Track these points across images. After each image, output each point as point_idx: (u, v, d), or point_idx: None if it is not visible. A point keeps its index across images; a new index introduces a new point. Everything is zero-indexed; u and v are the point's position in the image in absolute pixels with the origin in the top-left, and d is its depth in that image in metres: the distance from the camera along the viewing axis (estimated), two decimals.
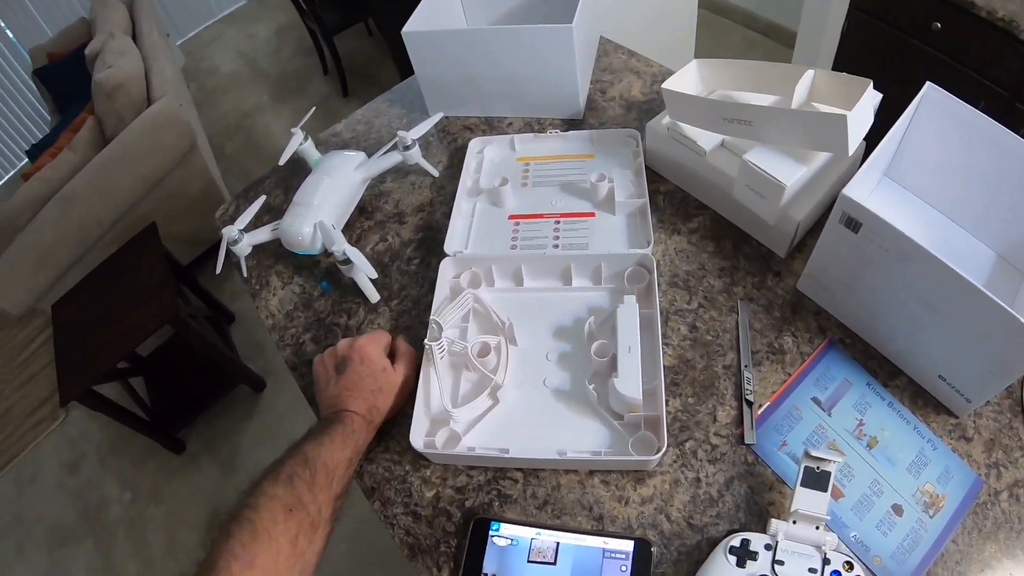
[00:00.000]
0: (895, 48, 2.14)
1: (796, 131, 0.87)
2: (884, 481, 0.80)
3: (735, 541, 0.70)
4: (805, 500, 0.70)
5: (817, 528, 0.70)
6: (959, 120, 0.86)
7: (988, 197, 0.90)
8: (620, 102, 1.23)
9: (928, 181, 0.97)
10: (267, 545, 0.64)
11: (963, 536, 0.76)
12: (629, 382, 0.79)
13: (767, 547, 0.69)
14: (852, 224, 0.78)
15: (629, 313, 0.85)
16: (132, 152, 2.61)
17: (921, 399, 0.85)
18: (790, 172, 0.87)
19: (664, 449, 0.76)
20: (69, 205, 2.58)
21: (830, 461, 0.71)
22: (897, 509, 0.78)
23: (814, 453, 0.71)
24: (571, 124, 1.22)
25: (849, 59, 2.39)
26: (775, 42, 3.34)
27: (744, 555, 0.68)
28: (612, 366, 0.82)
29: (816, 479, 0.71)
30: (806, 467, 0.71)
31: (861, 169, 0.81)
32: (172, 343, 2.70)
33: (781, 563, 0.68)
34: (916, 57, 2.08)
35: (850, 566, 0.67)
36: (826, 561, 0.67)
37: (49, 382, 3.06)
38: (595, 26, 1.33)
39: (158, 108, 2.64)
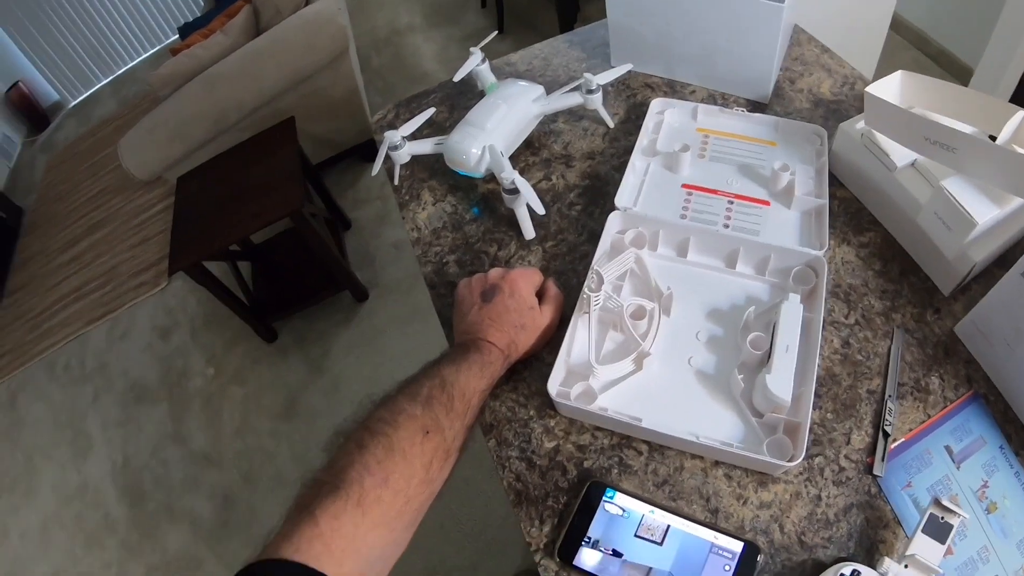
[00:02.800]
0: None
1: (1001, 170, 0.83)
2: (993, 550, 0.77)
3: (846, 570, 0.68)
4: (922, 547, 0.68)
5: None
6: None
7: None
8: (808, 96, 1.18)
9: None
10: (402, 464, 0.63)
11: None
12: (781, 382, 0.76)
13: None
14: None
15: (793, 312, 0.82)
16: (284, 46, 2.64)
17: None
18: (984, 210, 0.83)
19: (798, 458, 0.73)
20: (214, 85, 2.64)
21: (957, 515, 0.68)
22: None
23: (944, 503, 0.69)
24: (755, 106, 1.18)
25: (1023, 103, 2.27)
26: (944, 70, 3.18)
27: None
28: (764, 361, 0.80)
29: (938, 529, 0.68)
30: (931, 514, 0.69)
31: None
32: (286, 236, 2.77)
33: None
34: None
35: None
36: None
37: (159, 249, 3.18)
38: (795, 12, 1.27)
39: (317, 8, 2.67)
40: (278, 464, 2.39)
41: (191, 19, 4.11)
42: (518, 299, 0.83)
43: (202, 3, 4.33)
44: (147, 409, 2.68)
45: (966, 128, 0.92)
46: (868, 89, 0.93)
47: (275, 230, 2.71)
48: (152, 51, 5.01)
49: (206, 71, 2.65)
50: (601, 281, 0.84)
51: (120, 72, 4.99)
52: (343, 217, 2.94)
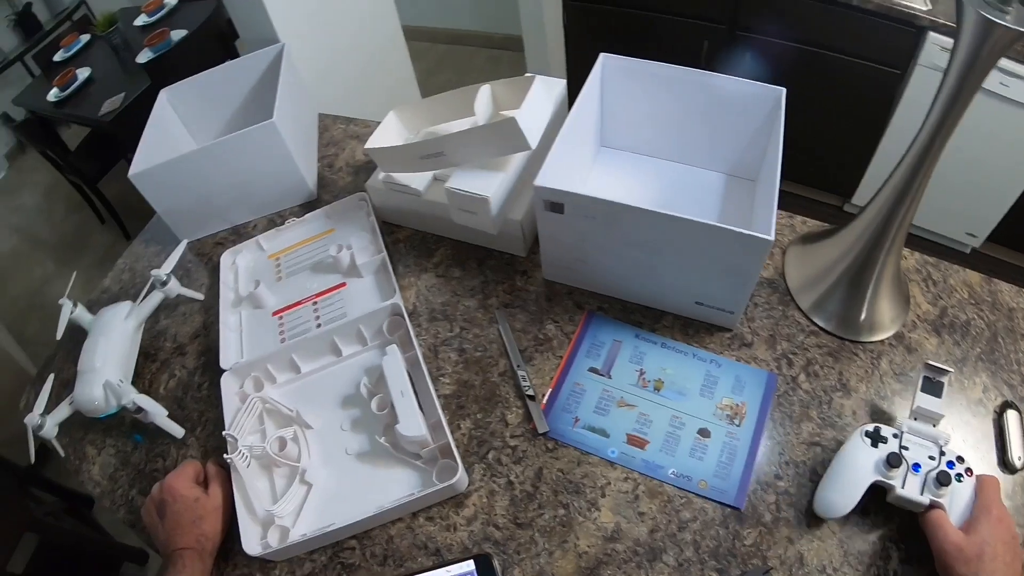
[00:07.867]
0: (615, 22, 2.30)
1: (480, 146, 0.94)
2: (682, 413, 0.87)
3: (869, 427, 0.77)
4: (925, 401, 0.79)
5: (934, 426, 0.78)
6: (641, 75, 0.97)
7: (693, 129, 1.01)
8: (348, 170, 1.28)
9: (639, 136, 1.07)
10: None
11: (777, 429, 0.84)
12: (410, 423, 0.85)
13: (894, 435, 0.77)
14: (556, 207, 0.86)
15: (393, 362, 0.91)
16: None
17: (691, 328, 0.94)
18: (490, 183, 0.94)
19: (460, 469, 0.82)
20: None
21: (946, 372, 0.80)
22: (703, 433, 0.85)
23: (933, 363, 0.81)
24: (310, 207, 1.25)
25: (578, 47, 2.53)
26: (515, 52, 3.37)
27: (876, 438, 0.77)
28: (394, 415, 0.87)
29: (933, 387, 0.80)
30: (925, 377, 0.81)
31: (549, 156, 0.87)
32: (41, 550, 2.48)
33: (906, 448, 0.76)
34: (636, 23, 2.26)
35: (962, 459, 0.75)
36: (942, 452, 0.75)
37: None
38: (307, 108, 1.38)
39: None
40: None
41: None
42: (181, 499, 0.86)
43: None
44: None
45: (465, 124, 1.04)
46: (366, 146, 1.04)
47: (27, 551, 2.43)
48: None
49: None
50: (236, 441, 0.90)
51: None
52: (80, 496, 2.69)
